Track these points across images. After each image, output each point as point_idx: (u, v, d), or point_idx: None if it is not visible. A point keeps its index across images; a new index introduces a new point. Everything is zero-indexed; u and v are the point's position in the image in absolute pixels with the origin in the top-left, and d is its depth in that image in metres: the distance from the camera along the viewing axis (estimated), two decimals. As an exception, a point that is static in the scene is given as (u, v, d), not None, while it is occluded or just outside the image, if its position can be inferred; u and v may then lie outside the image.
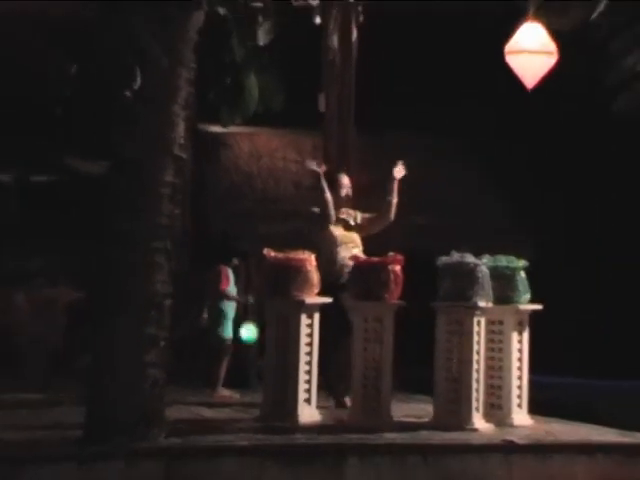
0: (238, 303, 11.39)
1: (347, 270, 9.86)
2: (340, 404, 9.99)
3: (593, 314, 17.32)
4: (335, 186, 10.33)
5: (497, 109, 16.24)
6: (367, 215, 10.35)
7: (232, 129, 15.45)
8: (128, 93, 8.08)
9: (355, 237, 10.24)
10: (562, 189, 19.32)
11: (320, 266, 9.49)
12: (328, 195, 10.15)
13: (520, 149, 18.49)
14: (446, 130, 17.64)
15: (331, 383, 10.03)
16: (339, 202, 10.27)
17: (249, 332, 11.49)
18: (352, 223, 10.28)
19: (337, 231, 10.17)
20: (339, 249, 10.11)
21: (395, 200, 10.17)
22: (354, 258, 9.77)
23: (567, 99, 12.61)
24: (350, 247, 10.14)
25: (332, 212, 10.11)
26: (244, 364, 11.53)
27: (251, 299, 11.62)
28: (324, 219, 10.12)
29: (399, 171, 10.13)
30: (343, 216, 10.27)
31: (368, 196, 10.46)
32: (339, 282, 9.78)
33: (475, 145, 18.49)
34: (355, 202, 10.53)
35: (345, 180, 10.45)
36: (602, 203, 19.15)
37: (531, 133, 17.68)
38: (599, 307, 18.15)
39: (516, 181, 18.29)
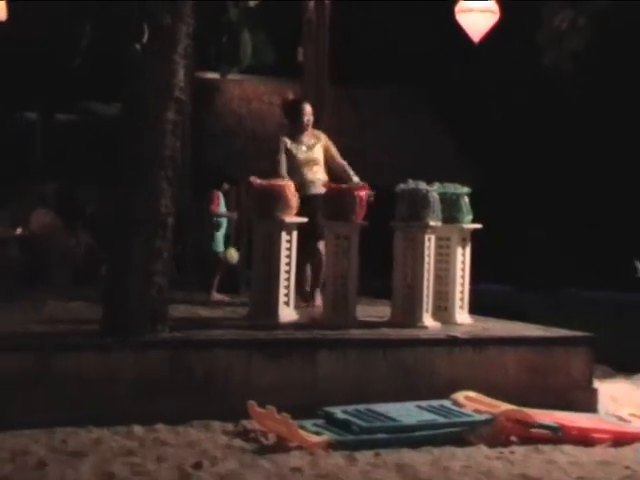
0: (229, 221, 11.36)
1: (313, 186, 9.90)
2: (307, 299, 10.12)
3: (525, 233, 17.45)
4: (299, 113, 10.25)
5: (448, 64, 16.14)
6: (333, 149, 10.31)
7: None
8: (137, 46, 8.08)
9: (317, 156, 10.19)
10: (500, 129, 19.43)
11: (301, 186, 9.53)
12: (280, 157, 10.10)
13: (467, 98, 18.52)
14: (406, 82, 17.61)
15: (303, 284, 10.09)
16: (302, 127, 10.22)
17: (232, 253, 11.45)
18: (308, 150, 10.21)
19: (300, 154, 10.12)
20: (303, 169, 10.07)
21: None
22: (327, 185, 9.72)
23: (505, 55, 12.56)
24: (312, 165, 10.13)
25: (283, 172, 10.00)
26: (234, 272, 11.54)
27: (235, 215, 11.53)
28: (275, 154, 10.13)
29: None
30: (305, 139, 10.21)
31: (338, 136, 10.41)
32: (307, 195, 9.72)
33: (429, 94, 18.49)
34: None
35: (308, 108, 10.35)
36: (533, 141, 19.27)
37: (476, 84, 17.68)
38: (530, 227, 18.30)
39: (462, 124, 18.34)
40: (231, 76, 14.98)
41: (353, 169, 10.32)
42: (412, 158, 16.85)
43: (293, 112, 10.40)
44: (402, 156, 16.91)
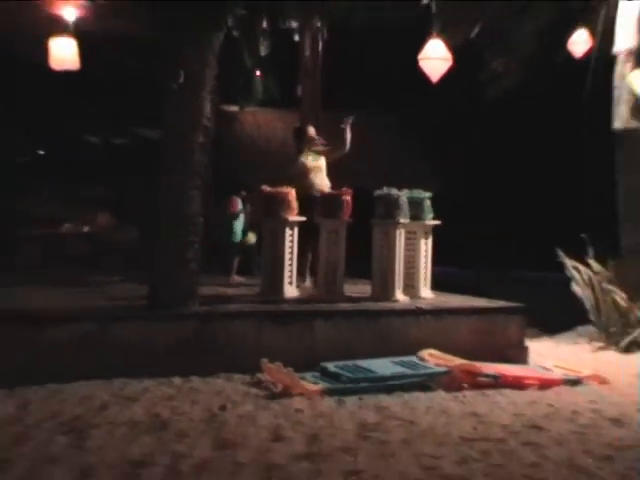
0: (245, 217, 11.31)
1: (316, 189, 9.76)
2: (304, 280, 9.99)
3: (477, 227, 17.48)
4: (303, 135, 10.19)
5: (415, 96, 16.14)
6: (330, 148, 10.17)
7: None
8: (174, 85, 8.13)
9: (321, 164, 10.03)
10: (458, 146, 19.45)
11: (298, 186, 9.42)
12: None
13: (431, 120, 18.49)
14: (381, 109, 17.58)
15: (303, 269, 9.99)
16: (307, 143, 10.10)
17: (250, 235, 11.47)
18: (317, 151, 10.08)
19: (308, 162, 10.01)
20: (310, 174, 9.96)
21: (348, 136, 9.88)
22: (321, 192, 9.66)
23: (458, 90, 12.62)
24: (317, 172, 9.99)
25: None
26: (248, 259, 11.49)
27: (249, 209, 11.47)
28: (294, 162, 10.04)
29: (348, 120, 9.90)
30: (312, 149, 10.08)
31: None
32: (312, 196, 9.61)
33: (401, 118, 18.46)
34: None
35: (311, 130, 10.27)
36: (482, 153, 19.33)
37: (437, 110, 17.66)
38: (481, 223, 18.33)
39: (427, 139, 18.31)
40: (247, 108, 15.02)
41: (341, 175, 10.19)
42: (386, 166, 16.81)
43: (301, 133, 10.29)
44: (378, 165, 16.87)
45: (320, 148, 10.13)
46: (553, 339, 10.57)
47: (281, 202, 9.18)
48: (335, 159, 10.06)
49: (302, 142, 10.10)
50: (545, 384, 7.77)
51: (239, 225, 11.27)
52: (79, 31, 10.98)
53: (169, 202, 8.24)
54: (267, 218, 9.33)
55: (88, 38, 11.00)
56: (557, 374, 8.09)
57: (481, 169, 20.03)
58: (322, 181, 9.96)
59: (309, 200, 9.56)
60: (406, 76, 12.41)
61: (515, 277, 16.01)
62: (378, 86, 18.08)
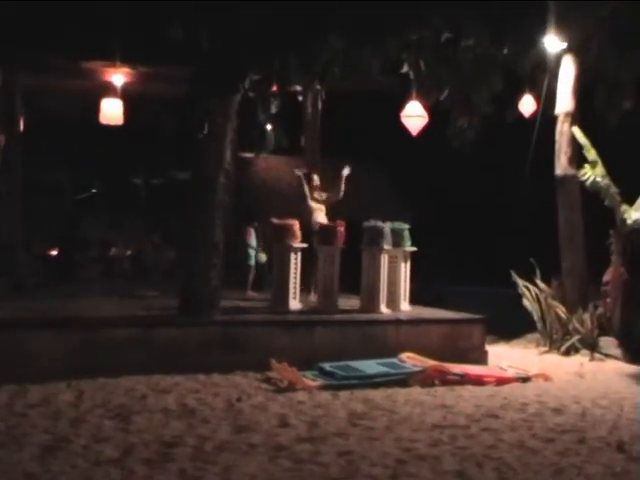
0: (258, 243, 11.19)
1: (318, 225, 9.70)
2: (308, 291, 9.88)
3: (444, 251, 17.40)
4: (311, 180, 10.15)
5: (397, 144, 16.12)
6: (329, 195, 10.12)
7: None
8: (201, 135, 8.12)
9: (322, 206, 10.02)
10: (431, 187, 19.50)
11: (303, 223, 9.36)
12: (305, 190, 9.95)
13: (407, 165, 18.49)
14: (368, 154, 17.56)
15: (309, 286, 9.89)
16: (313, 189, 10.06)
17: (261, 256, 11.34)
18: (320, 198, 10.03)
19: (313, 204, 9.97)
20: (314, 214, 9.91)
21: (343, 186, 9.89)
22: (320, 224, 9.61)
23: (430, 142, 12.65)
24: (319, 212, 9.95)
25: (308, 200, 9.89)
26: (261, 277, 11.35)
27: (261, 254, 11.33)
28: (304, 202, 10.00)
29: (345, 171, 9.91)
30: (316, 196, 10.04)
31: (326, 189, 10.39)
32: (314, 230, 9.58)
33: (383, 163, 18.45)
34: (321, 190, 10.36)
35: (315, 176, 10.25)
36: (449, 194, 19.35)
37: (413, 157, 17.67)
38: (452, 247, 18.31)
39: (404, 181, 18.30)
40: (260, 155, 15.10)
41: (335, 209, 10.20)
42: (370, 202, 16.78)
43: (309, 179, 10.22)
44: (364, 201, 16.83)
45: (322, 197, 10.08)
46: (508, 344, 10.53)
47: (287, 231, 9.12)
48: (332, 203, 10.08)
49: (309, 186, 10.06)
50: (501, 381, 7.73)
51: (252, 251, 11.15)
52: (125, 93, 11.01)
53: (197, 231, 8.20)
54: (276, 245, 9.24)
55: (132, 98, 11.08)
56: (511, 373, 8.05)
57: (448, 205, 20.10)
58: (322, 219, 9.97)
59: (312, 228, 9.57)
60: (389, 130, 12.44)
61: (475, 292, 15.89)
62: (366, 138, 18.10)
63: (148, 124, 13.84)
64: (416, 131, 10.28)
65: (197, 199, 8.23)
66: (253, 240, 11.21)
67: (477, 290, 15.61)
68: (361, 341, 8.24)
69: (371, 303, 9.13)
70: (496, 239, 18.86)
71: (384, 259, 9.21)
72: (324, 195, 10.13)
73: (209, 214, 8.15)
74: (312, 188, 10.12)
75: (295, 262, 9.14)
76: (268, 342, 7.86)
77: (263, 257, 11.22)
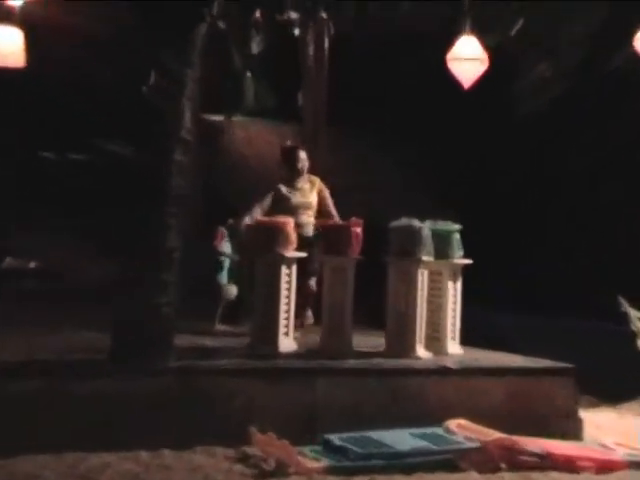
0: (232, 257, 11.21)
1: (306, 228, 9.91)
2: (301, 324, 9.99)
3: (510, 265, 17.26)
4: (295, 160, 10.29)
5: (431, 117, 16.13)
6: (326, 194, 10.32)
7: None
8: (145, 89, 8.06)
9: (311, 200, 10.22)
10: (481, 173, 19.43)
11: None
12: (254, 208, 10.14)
13: (449, 142, 18.45)
14: (393, 124, 17.63)
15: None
16: (297, 173, 10.25)
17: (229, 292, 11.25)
18: (303, 197, 10.22)
19: (294, 198, 10.12)
20: (297, 213, 10.04)
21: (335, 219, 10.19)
22: (323, 224, 9.74)
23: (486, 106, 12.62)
24: (305, 209, 10.15)
25: (244, 220, 10.13)
26: (236, 304, 11.23)
27: (236, 257, 11.36)
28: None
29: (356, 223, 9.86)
30: (300, 184, 10.23)
31: (334, 175, 10.39)
32: (300, 237, 9.61)
33: (415, 137, 18.43)
34: (323, 180, 10.57)
35: (302, 155, 10.38)
36: (508, 185, 19.33)
37: (458, 129, 17.66)
38: (521, 260, 18.16)
39: (444, 164, 18.33)
40: (235, 118, 15.05)
41: (348, 204, 10.34)
42: (396, 192, 16.79)
43: (289, 158, 10.43)
44: (387, 192, 16.83)
45: (312, 182, 10.34)
46: (615, 409, 10.39)
47: (277, 234, 9.09)
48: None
49: (290, 168, 10.25)
50: (604, 466, 7.65)
51: (225, 263, 11.10)
52: (30, 22, 10.89)
53: (139, 233, 8.15)
54: (260, 254, 9.25)
55: (41, 30, 10.99)
56: (620, 454, 7.98)
57: (511, 198, 19.91)
58: (311, 220, 10.19)
59: (301, 240, 9.62)
60: (425, 90, 12.40)
61: (553, 326, 15.78)
62: (392, 100, 18.11)
63: (66, 70, 13.75)
64: (470, 81, 10.37)
65: (139, 185, 8.22)
66: (226, 246, 11.15)
67: (555, 323, 15.51)
68: (387, 400, 8.24)
69: (402, 342, 9.13)
70: (577, 247, 18.73)
71: (422, 276, 9.20)
72: (318, 184, 10.35)
73: (157, 208, 8.11)
74: (296, 172, 10.25)
75: (288, 280, 9.16)
76: (247, 401, 7.86)
77: (232, 290, 11.18)
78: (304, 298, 9.98)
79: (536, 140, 16.27)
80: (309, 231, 10.08)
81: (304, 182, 10.37)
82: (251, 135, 17.22)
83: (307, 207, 10.26)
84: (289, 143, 10.66)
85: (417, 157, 18.39)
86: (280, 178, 10.39)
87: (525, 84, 10.98)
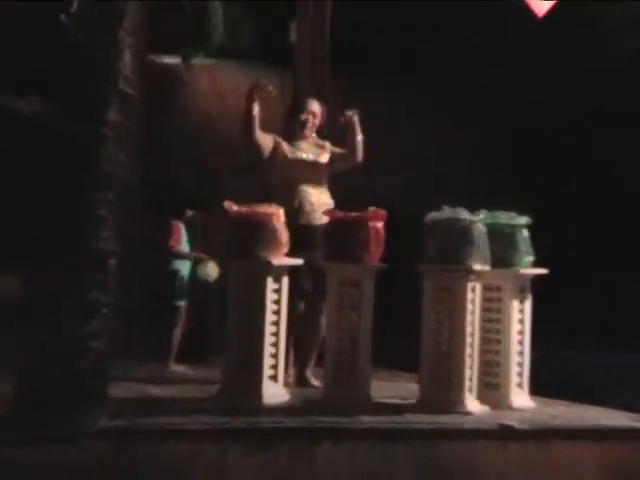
0: (193, 263, 11.38)
1: (313, 212, 9.93)
2: (302, 380, 10.07)
3: (607, 279, 17.31)
4: (298, 110, 10.35)
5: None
6: (337, 150, 10.32)
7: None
8: (64, 15, 7.97)
9: (320, 173, 10.21)
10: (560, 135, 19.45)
11: (281, 204, 9.50)
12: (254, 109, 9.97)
13: (504, 104, 18.55)
14: (426, 73, 17.69)
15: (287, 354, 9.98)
16: (301, 130, 10.26)
17: (210, 270, 11.33)
18: (313, 157, 10.24)
19: (296, 166, 10.11)
20: (301, 186, 10.06)
21: (359, 139, 10.15)
22: (328, 213, 9.68)
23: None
24: (315, 183, 10.12)
25: (253, 127, 9.97)
26: (201, 334, 11.52)
27: (202, 256, 11.47)
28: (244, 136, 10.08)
29: (352, 112, 10.15)
30: (304, 146, 10.26)
31: (341, 147, 10.39)
32: (303, 226, 9.80)
33: (459, 99, 18.57)
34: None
35: (313, 106, 10.38)
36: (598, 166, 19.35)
37: (517, 87, 17.81)
38: (612, 271, 18.19)
39: (499, 135, 18.31)
40: (199, 61, 15.23)
41: (361, 190, 10.54)
42: (438, 176, 16.83)
43: (290, 109, 10.54)
44: (426, 173, 16.85)
45: (321, 146, 10.36)
46: None
47: (260, 232, 9.15)
48: (342, 171, 10.37)
49: (290, 124, 10.32)
50: None
51: (184, 272, 11.25)
52: None
53: (55, 231, 8.06)
54: (235, 260, 9.33)
55: None
56: None
57: (600, 183, 19.97)
58: (320, 198, 10.26)
59: (303, 232, 9.75)
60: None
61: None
62: (422, 46, 18.24)
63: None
64: (544, 8, 10.74)
65: (56, 159, 8.12)
66: (183, 244, 11.35)
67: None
68: (421, 474, 8.26)
69: (443, 390, 9.15)
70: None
71: (474, 293, 9.20)
72: (328, 147, 10.37)
73: (83, 193, 8.06)
74: (300, 128, 10.29)
75: (277, 298, 9.27)
76: (216, 475, 7.94)
77: (213, 269, 11.39)
78: (305, 333, 10.02)
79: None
80: (317, 218, 9.99)
81: (311, 146, 10.35)
82: (221, 85, 17.21)
83: (318, 179, 10.21)
84: (267, 87, 10.53)
85: (462, 123, 18.53)
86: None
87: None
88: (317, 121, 10.40)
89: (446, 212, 9.24)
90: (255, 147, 10.02)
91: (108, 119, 8.11)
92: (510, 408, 9.27)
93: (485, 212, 9.42)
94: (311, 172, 10.18)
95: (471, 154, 18.24)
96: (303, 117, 10.32)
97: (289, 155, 10.12)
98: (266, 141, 10.08)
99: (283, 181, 10.08)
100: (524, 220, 9.56)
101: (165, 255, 11.21)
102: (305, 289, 9.79)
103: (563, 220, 15.62)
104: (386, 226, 9.35)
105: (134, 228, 10.24)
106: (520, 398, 9.45)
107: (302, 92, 12.26)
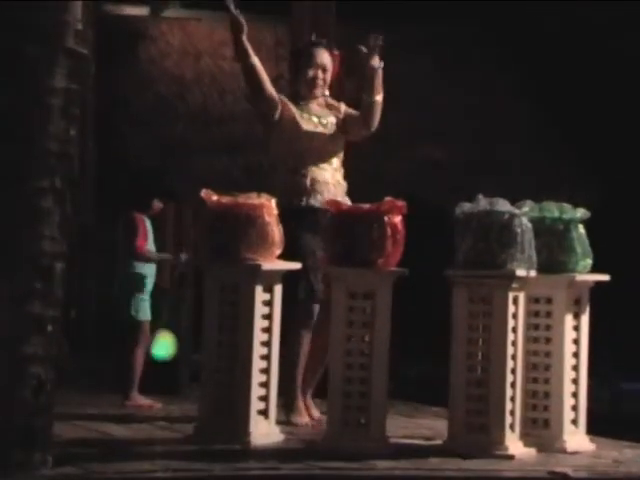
0: (159, 267, 11.38)
1: (324, 190, 10.04)
2: (291, 413, 10.11)
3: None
4: (302, 62, 10.38)
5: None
6: (353, 112, 10.38)
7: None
8: None
9: (335, 143, 10.30)
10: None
11: (276, 186, 9.67)
12: (254, 60, 10.05)
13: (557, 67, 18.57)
14: (461, 20, 17.71)
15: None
16: (308, 87, 10.33)
17: (163, 346, 11.34)
18: (328, 123, 10.32)
19: (306, 135, 10.19)
20: (310, 158, 10.13)
21: (379, 98, 10.18)
22: (333, 203, 9.66)
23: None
24: (326, 154, 10.18)
25: (267, 86, 10.06)
26: (171, 357, 11.52)
27: (183, 258, 11.42)
28: (259, 102, 10.15)
29: (376, 58, 10.10)
30: (314, 108, 10.33)
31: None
32: (308, 208, 9.94)
33: (503, 38, 18.56)
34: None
35: (322, 57, 10.37)
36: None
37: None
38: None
39: (563, 107, 18.32)
40: (169, 13, 15.11)
41: (376, 175, 10.27)
42: (477, 154, 16.85)
43: (293, 59, 10.73)
44: (457, 151, 16.88)
45: (336, 107, 10.43)
46: None
47: (246, 228, 9.19)
48: (352, 142, 10.51)
49: (296, 78, 10.44)
50: None
51: (149, 279, 11.28)
52: None
53: None
54: (214, 263, 9.36)
55: None
56: None
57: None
58: (334, 176, 10.41)
59: (311, 213, 9.86)
60: None
61: None
62: None
63: None
64: None
65: None
66: (149, 244, 11.40)
67: None
68: None
69: (479, 429, 9.17)
70: None
71: (516, 305, 9.21)
72: (343, 109, 10.49)
73: (22, 179, 8.09)
74: (306, 85, 10.38)
75: (268, 312, 9.35)
76: None
77: (168, 343, 11.67)
78: (312, 350, 10.08)
79: None
80: (327, 197, 10.01)
81: (322, 109, 10.42)
82: (197, 42, 17.26)
83: (331, 150, 10.27)
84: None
85: (515, 86, 18.56)
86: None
87: None
88: (328, 76, 10.39)
89: (482, 203, 9.22)
90: (265, 103, 10.06)
91: (54, 85, 8.08)
92: (563, 451, 9.26)
93: (531, 203, 9.39)
94: (324, 142, 10.24)
95: (519, 128, 18.22)
96: (311, 73, 10.32)
97: (299, 121, 10.16)
98: (276, 97, 10.12)
99: (289, 154, 10.15)
100: (580, 214, 9.53)
101: (126, 257, 11.22)
102: (315, 289, 9.87)
103: (630, 216, 15.60)
104: (406, 221, 9.32)
105: (87, 224, 10.25)
106: (575, 438, 9.44)
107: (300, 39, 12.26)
